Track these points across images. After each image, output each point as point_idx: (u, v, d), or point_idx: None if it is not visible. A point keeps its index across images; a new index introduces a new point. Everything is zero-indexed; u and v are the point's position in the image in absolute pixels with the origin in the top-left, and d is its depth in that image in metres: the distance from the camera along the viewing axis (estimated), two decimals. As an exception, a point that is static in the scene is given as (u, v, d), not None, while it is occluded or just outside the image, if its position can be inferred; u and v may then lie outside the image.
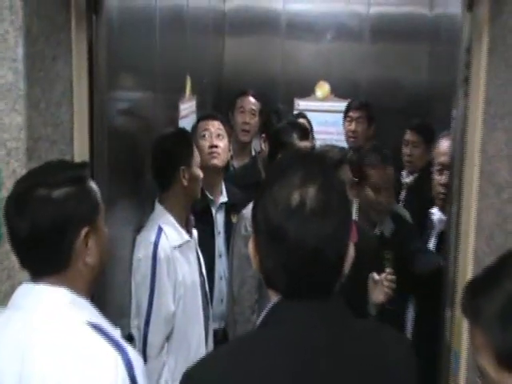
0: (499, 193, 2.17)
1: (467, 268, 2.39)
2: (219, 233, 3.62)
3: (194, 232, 3.18)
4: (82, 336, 1.56)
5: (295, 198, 1.31)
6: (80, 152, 2.34)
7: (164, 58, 3.41)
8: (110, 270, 2.57)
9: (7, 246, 1.74)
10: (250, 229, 3.03)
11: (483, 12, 2.29)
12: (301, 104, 5.65)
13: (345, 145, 4.63)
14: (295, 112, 5.33)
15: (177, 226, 3.02)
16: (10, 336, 1.57)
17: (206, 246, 3.43)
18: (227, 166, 4.07)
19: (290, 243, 1.30)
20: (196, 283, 3.07)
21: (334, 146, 3.20)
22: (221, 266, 3.60)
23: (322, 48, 5.64)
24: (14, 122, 2.00)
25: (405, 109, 5.28)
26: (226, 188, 3.70)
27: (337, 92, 5.63)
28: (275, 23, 5.67)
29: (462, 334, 2.40)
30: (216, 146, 3.52)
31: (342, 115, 5.03)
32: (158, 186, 3.09)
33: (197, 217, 3.30)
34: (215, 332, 3.40)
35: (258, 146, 4.43)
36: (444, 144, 3.24)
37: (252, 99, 4.70)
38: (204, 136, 3.55)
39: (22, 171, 1.97)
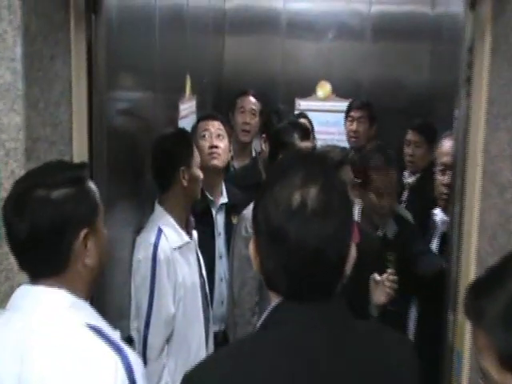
0: (502, 193, 2.17)
1: (470, 268, 2.39)
2: (219, 234, 3.62)
3: (194, 233, 3.18)
4: (82, 338, 1.56)
5: (296, 198, 1.31)
6: (79, 152, 2.34)
7: (164, 57, 3.41)
8: (109, 271, 2.57)
9: (6, 247, 1.74)
10: (250, 230, 3.03)
11: (486, 10, 2.29)
12: (302, 104, 5.64)
13: (346, 145, 4.63)
14: (296, 112, 5.33)
15: (177, 227, 3.02)
16: (9, 338, 1.56)
17: (206, 247, 3.43)
18: (227, 167, 4.07)
19: (290, 244, 1.30)
20: (196, 285, 3.07)
21: (335, 147, 3.20)
22: (221, 267, 3.59)
23: (322, 47, 5.64)
24: (12, 122, 2.00)
25: (406, 108, 5.28)
26: (227, 189, 3.70)
27: (338, 92, 5.63)
28: (276, 22, 5.67)
29: (464, 335, 2.40)
30: (216, 147, 3.52)
31: (343, 115, 5.03)
32: (157, 186, 3.09)
33: (197, 218, 3.30)
34: (215, 334, 3.40)
35: (259, 146, 4.43)
36: (447, 144, 3.24)
37: (252, 99, 4.70)
38: (204, 136, 3.55)
39: (20, 172, 1.97)
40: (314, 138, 4.18)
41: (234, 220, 3.59)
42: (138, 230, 3.04)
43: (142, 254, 2.91)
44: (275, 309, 1.38)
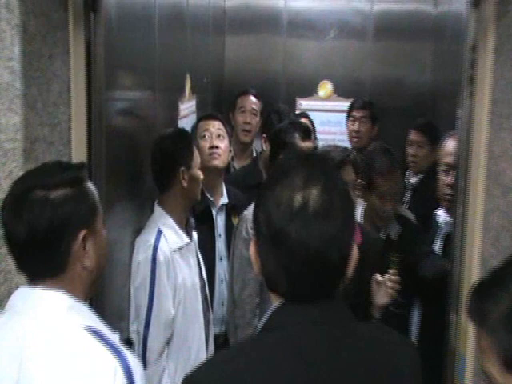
0: (506, 194, 2.17)
1: (473, 270, 2.39)
2: (220, 235, 3.62)
3: (194, 234, 3.18)
4: (80, 341, 1.56)
5: (297, 199, 1.31)
6: (78, 153, 2.34)
7: (163, 56, 3.42)
8: (108, 273, 2.57)
9: (4, 249, 1.74)
10: (251, 231, 3.03)
11: (489, 9, 2.29)
12: (303, 103, 5.65)
13: (348, 145, 4.62)
14: (297, 112, 5.33)
15: (176, 228, 3.02)
16: (7, 341, 1.56)
17: (207, 248, 3.43)
18: (228, 167, 4.07)
19: (292, 245, 1.30)
20: (196, 286, 3.07)
21: (336, 146, 3.20)
22: (221, 268, 3.60)
23: (324, 46, 5.64)
24: (10, 122, 2.00)
25: (409, 108, 5.29)
26: (227, 189, 3.70)
27: (340, 91, 5.63)
28: (277, 21, 5.67)
29: (467, 337, 2.40)
30: (216, 147, 3.52)
31: (345, 115, 5.03)
32: (157, 187, 3.09)
33: (197, 219, 3.30)
34: (216, 336, 3.40)
35: (259, 146, 4.43)
36: (450, 144, 3.24)
37: (253, 99, 4.70)
38: (204, 136, 3.55)
39: (18, 172, 1.97)
40: (315, 138, 4.18)
41: (235, 221, 3.59)
42: (138, 231, 3.04)
43: (142, 255, 2.91)
44: (276, 310, 1.38)
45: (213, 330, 3.31)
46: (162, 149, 3.05)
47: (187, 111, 4.06)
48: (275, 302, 1.39)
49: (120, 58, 2.78)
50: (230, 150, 3.86)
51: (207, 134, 3.55)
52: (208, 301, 3.24)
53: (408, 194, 4.30)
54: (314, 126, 4.50)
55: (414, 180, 4.34)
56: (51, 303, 1.59)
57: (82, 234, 1.62)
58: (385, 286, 2.88)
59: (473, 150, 2.41)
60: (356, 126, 4.88)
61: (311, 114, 4.80)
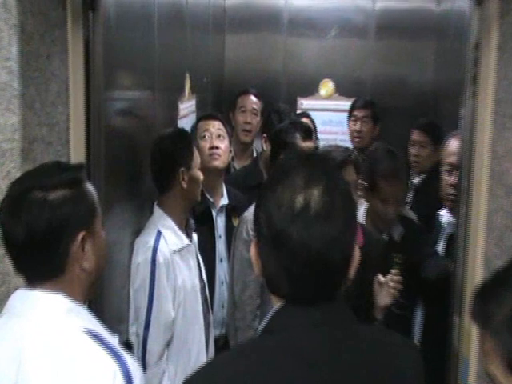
0: (509, 194, 2.18)
1: (476, 271, 2.39)
2: (220, 236, 3.62)
3: (194, 236, 3.18)
4: (79, 345, 1.56)
5: (299, 200, 1.31)
6: (76, 153, 2.34)
7: (163, 56, 3.42)
8: (107, 275, 2.57)
9: (2, 250, 1.74)
10: (251, 232, 3.03)
11: (492, 7, 2.29)
12: (304, 103, 5.65)
13: (349, 145, 4.62)
14: (298, 111, 5.34)
15: (176, 229, 3.02)
16: (5, 343, 1.56)
17: (207, 250, 3.43)
18: (228, 168, 4.07)
19: (293, 247, 1.30)
20: (196, 288, 3.07)
21: (337, 146, 3.19)
22: (222, 270, 3.60)
23: (325, 45, 5.64)
24: (8, 122, 2.00)
25: (411, 108, 5.29)
26: (227, 190, 3.70)
27: (341, 90, 5.63)
28: (277, 20, 5.68)
29: (470, 339, 2.40)
30: (217, 148, 3.52)
31: (346, 114, 5.03)
32: (156, 188, 3.09)
33: (197, 220, 3.30)
34: (216, 339, 3.40)
35: (260, 146, 4.43)
36: (453, 144, 3.24)
37: (253, 98, 4.70)
38: (204, 137, 3.55)
39: (16, 173, 1.97)
40: (316, 137, 4.18)
41: (235, 222, 3.59)
42: (137, 232, 3.04)
43: (141, 256, 2.91)
44: (277, 313, 1.38)
45: (213, 333, 3.31)
46: (161, 149, 3.05)
47: (187, 111, 4.07)
48: (276, 304, 1.39)
49: (119, 58, 2.78)
50: (231, 151, 3.87)
51: (207, 135, 3.55)
52: (208, 303, 3.24)
53: (410, 195, 4.30)
54: (315, 125, 4.51)
55: (416, 180, 4.34)
56: (49, 306, 1.59)
57: (80, 235, 1.62)
58: (387, 287, 2.88)
59: (476, 150, 2.41)
60: (358, 126, 4.88)
61: (312, 114, 4.80)
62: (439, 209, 3.46)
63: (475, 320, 1.39)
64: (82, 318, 1.62)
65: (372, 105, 4.95)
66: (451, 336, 2.60)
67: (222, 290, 3.58)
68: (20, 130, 2.01)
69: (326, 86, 5.66)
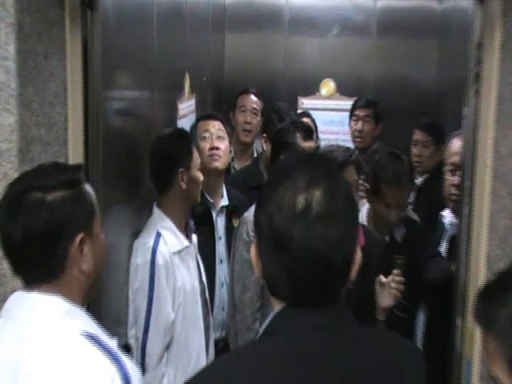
0: (513, 194, 2.18)
1: (479, 272, 2.39)
2: (220, 238, 3.62)
3: (194, 237, 3.17)
4: (78, 348, 1.56)
5: (300, 201, 1.30)
6: (74, 154, 2.34)
7: (162, 55, 3.42)
8: (106, 276, 2.57)
9: (-1, 252, 1.74)
10: (252, 233, 3.03)
11: (495, 5, 2.29)
12: (305, 102, 5.65)
13: (351, 145, 4.62)
14: (299, 111, 5.33)
15: (176, 230, 3.02)
16: (2, 347, 1.56)
17: (207, 251, 3.43)
18: (228, 168, 4.07)
19: (295, 249, 1.30)
20: (196, 290, 3.07)
21: (338, 146, 3.19)
22: (222, 272, 3.59)
23: (326, 44, 5.64)
24: (5, 122, 2.00)
25: (413, 107, 5.29)
26: (227, 191, 3.70)
27: (342, 90, 5.63)
28: (278, 18, 5.68)
29: (474, 341, 2.40)
30: (217, 148, 3.51)
31: (347, 114, 5.03)
32: (156, 188, 3.09)
33: (197, 221, 3.30)
34: (216, 341, 3.40)
35: (260, 146, 4.42)
36: (456, 143, 3.23)
37: (254, 98, 4.70)
38: (204, 137, 3.54)
39: (14, 174, 1.97)
40: (317, 137, 4.18)
41: (235, 223, 3.59)
42: (136, 233, 3.04)
43: (140, 258, 2.90)
44: (278, 315, 1.38)
45: (213, 335, 3.31)
46: (160, 149, 3.05)
47: (186, 111, 4.07)
48: (276, 306, 1.39)
49: (117, 57, 2.78)
50: (231, 151, 3.86)
51: (207, 135, 3.54)
52: (208, 305, 3.24)
53: (413, 195, 4.30)
54: (316, 125, 4.51)
55: (418, 181, 4.33)
56: (47, 308, 1.59)
57: (79, 237, 1.61)
58: (389, 288, 2.88)
59: (479, 150, 2.41)
60: (359, 126, 4.87)
61: (313, 113, 4.80)
62: (442, 209, 3.46)
63: (478, 321, 1.39)
64: (81, 321, 1.62)
65: (374, 104, 4.95)
66: (454, 338, 2.60)
67: (222, 292, 3.58)
68: (17, 131, 2.01)
69: (327, 86, 5.66)
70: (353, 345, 1.37)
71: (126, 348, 2.84)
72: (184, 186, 3.01)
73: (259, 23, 5.67)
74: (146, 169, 3.10)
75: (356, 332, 1.40)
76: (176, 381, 2.92)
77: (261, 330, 1.42)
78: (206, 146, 3.51)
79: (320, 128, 4.68)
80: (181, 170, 2.99)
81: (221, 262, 3.60)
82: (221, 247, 3.61)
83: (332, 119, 5.56)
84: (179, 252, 2.99)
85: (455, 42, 4.61)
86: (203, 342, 3.09)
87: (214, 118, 3.66)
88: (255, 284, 3.10)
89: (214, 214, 3.60)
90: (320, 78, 5.66)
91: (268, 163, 3.80)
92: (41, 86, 2.14)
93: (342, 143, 3.77)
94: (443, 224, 3.41)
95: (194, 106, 4.28)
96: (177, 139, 3.10)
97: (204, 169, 3.22)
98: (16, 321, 1.59)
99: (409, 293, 2.95)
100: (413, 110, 5.19)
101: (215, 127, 3.57)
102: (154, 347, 2.87)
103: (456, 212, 3.11)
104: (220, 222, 3.64)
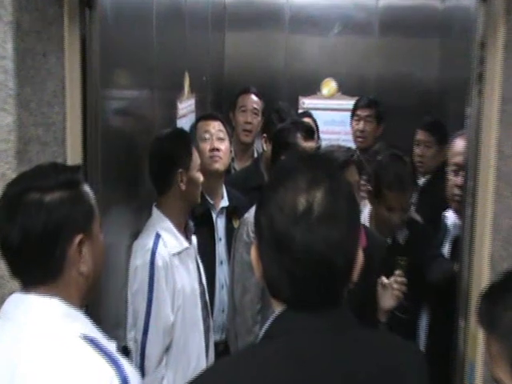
0: (516, 195, 2.18)
1: (483, 273, 2.39)
2: (220, 239, 3.61)
3: (194, 238, 3.17)
4: (76, 350, 1.55)
5: (302, 202, 1.30)
6: (73, 154, 2.34)
7: (161, 54, 3.42)
8: (105, 278, 2.57)
9: (-3, 254, 1.74)
10: (252, 234, 3.03)
11: (498, 3, 2.29)
12: (306, 102, 5.65)
13: (352, 145, 4.62)
14: (300, 111, 5.33)
15: (175, 232, 3.01)
16: (0, 347, 1.57)
17: (207, 252, 3.43)
18: (228, 169, 4.07)
19: (296, 250, 1.30)
20: (196, 292, 3.07)
21: (339, 146, 3.19)
22: (222, 273, 3.59)
23: (328, 43, 5.64)
24: (3, 122, 2.00)
25: (416, 107, 5.29)
26: (227, 191, 3.70)
27: (344, 89, 5.63)
28: (278, 17, 5.68)
29: (477, 343, 2.40)
30: (217, 150, 3.50)
31: (349, 114, 5.03)
32: (155, 189, 3.09)
33: (196, 222, 3.30)
34: (216, 344, 3.39)
35: (260, 146, 4.42)
36: (460, 143, 3.23)
37: (254, 97, 4.69)
38: (204, 138, 3.53)
39: (12, 175, 1.97)
40: (318, 137, 4.18)
41: (235, 224, 3.59)
42: (135, 234, 3.04)
43: (140, 260, 2.90)
44: (279, 317, 1.38)
45: (213, 338, 3.31)
46: (159, 150, 3.05)
47: (186, 110, 4.06)
48: (277, 308, 1.39)
49: (116, 56, 2.78)
50: (231, 151, 3.86)
51: (207, 136, 3.54)
52: (208, 307, 3.24)
53: (415, 196, 4.30)
54: (318, 125, 4.51)
55: (421, 181, 4.33)
56: (45, 310, 1.59)
57: (77, 238, 1.61)
58: (391, 289, 2.88)
59: (482, 150, 2.40)
60: (361, 126, 4.87)
61: (314, 113, 4.81)
62: (445, 210, 3.46)
63: (481, 323, 1.39)
64: (79, 323, 1.62)
65: (375, 104, 4.94)
66: (457, 339, 2.60)
67: (222, 294, 3.57)
68: (15, 131, 2.01)
69: (329, 85, 5.66)
70: (354, 347, 1.37)
71: (125, 350, 2.84)
72: (183, 186, 3.00)
73: (259, 22, 5.67)
74: (145, 169, 3.10)
75: (357, 334, 1.40)
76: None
77: (261, 333, 1.42)
78: (206, 147, 3.50)
79: (321, 128, 4.68)
80: (180, 170, 2.99)
81: (221, 263, 3.59)
82: (221, 248, 3.61)
83: (333, 119, 5.56)
84: (179, 253, 2.99)
85: (457, 41, 4.61)
86: (203, 345, 3.09)
87: (214, 118, 3.65)
88: (255, 286, 3.10)
89: (214, 215, 3.59)
90: (321, 77, 5.66)
91: (268, 163, 3.79)
92: (39, 86, 2.14)
93: (343, 143, 3.76)
94: (446, 225, 3.41)
95: (193, 106, 4.28)
96: (176, 139, 3.10)
97: (204, 170, 3.22)
98: (13, 322, 1.59)
99: (411, 294, 2.95)
100: (415, 110, 5.19)
101: (215, 128, 3.57)
102: (153, 349, 2.87)
103: (459, 212, 3.11)
104: (220, 223, 3.64)
